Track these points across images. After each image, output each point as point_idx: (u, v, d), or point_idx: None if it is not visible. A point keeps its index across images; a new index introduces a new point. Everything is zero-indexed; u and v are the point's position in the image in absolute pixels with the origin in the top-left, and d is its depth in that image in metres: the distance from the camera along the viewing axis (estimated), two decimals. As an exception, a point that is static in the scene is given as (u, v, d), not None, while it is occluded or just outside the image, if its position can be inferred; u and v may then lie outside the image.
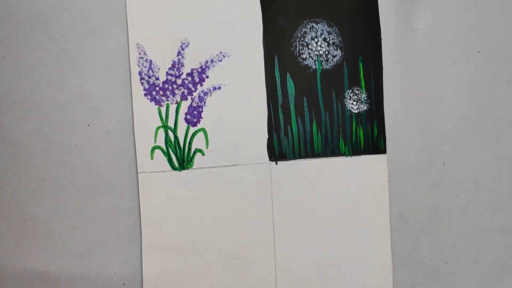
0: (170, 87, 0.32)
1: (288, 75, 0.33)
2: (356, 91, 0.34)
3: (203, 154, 0.33)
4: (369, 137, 0.33)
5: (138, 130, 0.32)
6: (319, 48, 0.33)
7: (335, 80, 0.34)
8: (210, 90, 0.33)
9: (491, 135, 0.36)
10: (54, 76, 0.32)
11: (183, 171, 0.33)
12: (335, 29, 0.33)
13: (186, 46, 0.32)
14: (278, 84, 0.33)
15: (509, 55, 0.36)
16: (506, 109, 0.36)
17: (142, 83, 0.32)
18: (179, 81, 0.33)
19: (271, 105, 0.33)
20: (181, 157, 0.33)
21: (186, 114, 0.33)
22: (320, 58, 0.33)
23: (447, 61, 0.35)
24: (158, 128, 0.32)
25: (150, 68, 0.32)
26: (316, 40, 0.33)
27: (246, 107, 0.33)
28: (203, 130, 0.33)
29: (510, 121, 0.36)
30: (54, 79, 0.32)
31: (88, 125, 0.32)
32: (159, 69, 0.32)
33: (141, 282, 0.33)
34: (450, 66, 0.35)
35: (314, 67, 0.33)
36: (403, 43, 0.34)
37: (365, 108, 0.34)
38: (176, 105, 0.33)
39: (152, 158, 0.32)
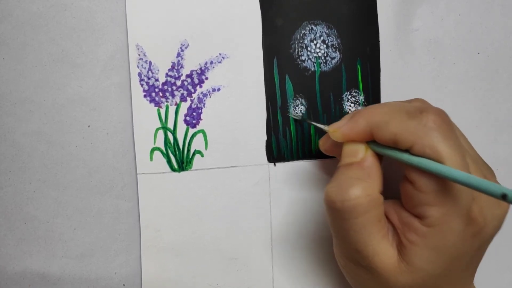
0: (169, 89, 0.33)
1: (287, 77, 0.33)
2: (354, 93, 0.34)
3: (202, 156, 0.33)
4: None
5: (137, 131, 0.32)
6: (318, 50, 0.33)
7: (333, 82, 0.34)
8: (209, 91, 0.33)
9: (490, 137, 0.36)
10: (54, 77, 0.32)
11: (182, 172, 0.33)
12: (334, 31, 0.33)
13: (186, 48, 0.32)
14: (277, 86, 0.33)
15: (509, 56, 0.36)
16: (506, 110, 0.36)
17: (142, 84, 0.32)
18: (178, 83, 0.33)
19: (270, 107, 0.33)
20: (180, 159, 0.33)
21: (186, 115, 0.33)
22: (319, 60, 0.33)
23: (446, 62, 0.35)
24: (157, 129, 0.33)
25: (149, 69, 0.32)
26: (315, 42, 0.33)
27: (245, 108, 0.33)
28: (203, 131, 0.33)
29: (510, 123, 0.36)
30: (54, 80, 0.32)
31: (89, 126, 0.32)
32: (158, 70, 0.32)
33: (141, 282, 0.33)
34: (450, 67, 0.35)
35: (312, 69, 0.33)
36: (402, 44, 0.34)
37: (362, 110, 0.34)
38: (175, 106, 0.33)
39: (151, 159, 0.32)
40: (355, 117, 0.26)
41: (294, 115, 0.33)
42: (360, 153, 0.26)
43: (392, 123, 0.25)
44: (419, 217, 0.25)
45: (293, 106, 0.33)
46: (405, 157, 0.24)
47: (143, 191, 0.32)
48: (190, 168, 0.33)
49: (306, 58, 0.33)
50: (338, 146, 0.29)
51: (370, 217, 0.25)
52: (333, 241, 0.29)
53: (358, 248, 0.25)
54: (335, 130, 0.27)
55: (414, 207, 0.25)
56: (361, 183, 0.25)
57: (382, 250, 0.25)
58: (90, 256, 0.33)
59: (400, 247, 0.25)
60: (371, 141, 0.27)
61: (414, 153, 0.24)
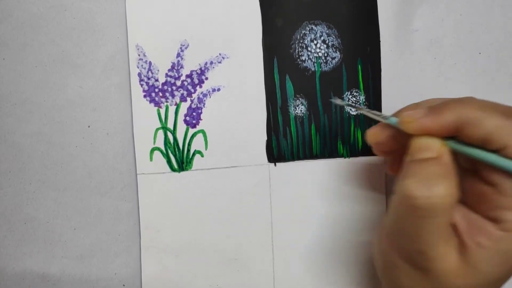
0: (169, 89, 0.33)
1: (287, 77, 0.33)
2: (355, 93, 0.34)
3: (202, 156, 0.33)
4: (367, 139, 0.33)
5: (137, 132, 0.32)
6: (318, 50, 0.33)
7: (334, 82, 0.34)
8: (209, 91, 0.33)
9: (491, 137, 0.36)
10: (55, 77, 0.32)
11: (182, 173, 0.33)
12: (334, 31, 0.33)
13: (186, 48, 0.32)
14: (277, 86, 0.33)
15: (510, 56, 0.36)
16: (506, 110, 0.36)
17: (142, 85, 0.32)
18: (178, 83, 0.33)
19: (270, 107, 0.33)
20: (180, 159, 0.33)
21: (186, 115, 0.33)
22: (319, 60, 0.33)
23: (447, 63, 0.35)
24: (157, 129, 0.33)
25: (149, 69, 0.32)
26: (315, 42, 0.33)
27: (245, 108, 0.33)
28: (202, 131, 0.33)
29: (510, 123, 0.36)
30: (54, 81, 0.32)
31: (89, 127, 0.32)
32: (158, 70, 0.32)
33: (141, 283, 0.33)
34: (451, 68, 0.35)
35: (313, 69, 0.33)
36: (403, 45, 0.34)
37: (363, 110, 0.34)
38: (175, 106, 0.33)
39: (151, 159, 0.32)
40: (440, 110, 0.24)
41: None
42: (436, 148, 0.24)
43: (487, 121, 0.23)
44: (494, 220, 0.23)
45: (293, 106, 0.33)
46: (493, 158, 0.23)
47: (143, 192, 0.32)
48: (190, 168, 0.33)
49: (307, 58, 0.33)
50: (397, 139, 0.27)
51: (447, 218, 0.23)
52: (386, 238, 0.26)
53: (422, 248, 0.24)
54: (412, 120, 0.25)
55: (490, 210, 0.24)
56: (445, 181, 0.23)
57: (446, 253, 0.24)
58: (90, 257, 0.33)
59: (462, 249, 0.24)
60: (447, 138, 0.25)
61: (505, 155, 0.23)
